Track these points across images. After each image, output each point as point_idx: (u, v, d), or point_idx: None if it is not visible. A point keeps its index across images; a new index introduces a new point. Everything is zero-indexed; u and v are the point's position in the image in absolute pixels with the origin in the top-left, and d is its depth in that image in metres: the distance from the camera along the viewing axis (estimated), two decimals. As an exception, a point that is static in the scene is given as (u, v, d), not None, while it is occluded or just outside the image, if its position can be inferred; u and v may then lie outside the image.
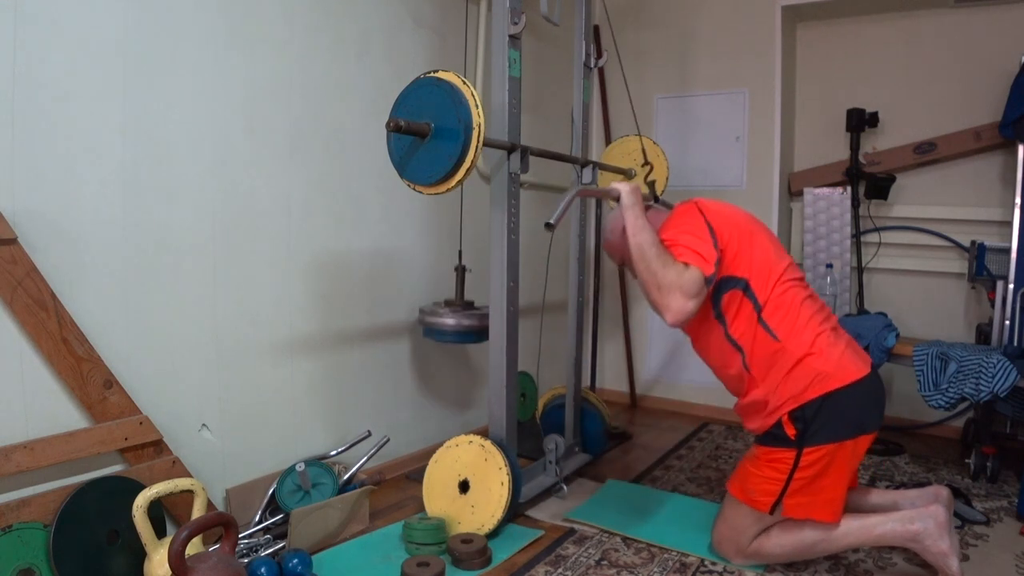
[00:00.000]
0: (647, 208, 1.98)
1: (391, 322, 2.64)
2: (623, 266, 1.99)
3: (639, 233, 1.80)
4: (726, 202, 1.98)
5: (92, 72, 1.71)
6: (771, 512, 1.80)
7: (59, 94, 1.65)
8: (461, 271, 2.57)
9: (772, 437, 1.81)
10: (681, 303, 1.69)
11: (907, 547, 1.77)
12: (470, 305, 2.53)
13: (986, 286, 2.93)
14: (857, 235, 3.27)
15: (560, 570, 1.89)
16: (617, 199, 1.92)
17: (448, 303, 2.54)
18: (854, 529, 1.78)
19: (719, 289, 1.83)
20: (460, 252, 2.59)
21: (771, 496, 1.80)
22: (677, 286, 1.69)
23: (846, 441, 1.74)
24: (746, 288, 1.82)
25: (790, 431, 1.77)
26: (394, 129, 1.79)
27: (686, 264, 1.72)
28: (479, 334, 2.45)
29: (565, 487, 2.41)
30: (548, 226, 1.79)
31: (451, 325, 2.46)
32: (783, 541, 1.83)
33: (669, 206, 2.08)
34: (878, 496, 1.98)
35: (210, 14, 1.96)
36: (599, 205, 3.65)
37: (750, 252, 1.84)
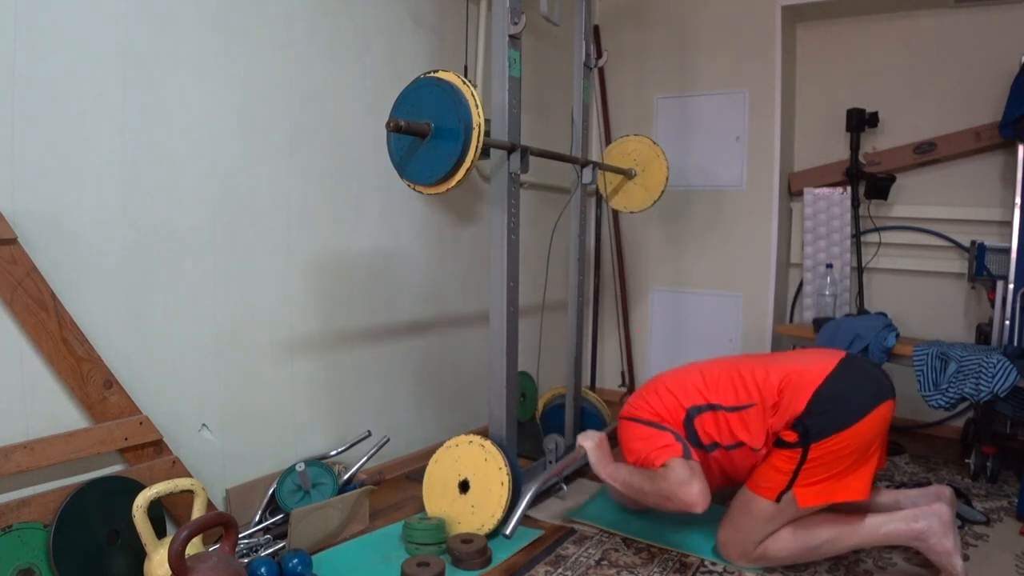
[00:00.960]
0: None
1: (391, 322, 2.64)
2: (644, 504, 2.11)
3: (618, 477, 2.00)
4: (638, 388, 2.14)
5: (92, 72, 1.71)
6: (777, 500, 1.81)
7: (59, 94, 1.65)
8: None
9: (777, 445, 1.83)
10: (690, 494, 1.79)
11: (911, 546, 1.77)
12: None
13: (986, 286, 2.93)
14: (857, 235, 3.27)
15: (560, 570, 1.89)
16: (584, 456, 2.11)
17: None
18: (858, 529, 1.79)
19: (691, 435, 1.94)
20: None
21: (780, 485, 1.80)
22: (676, 486, 1.80)
23: (850, 428, 1.74)
24: (697, 410, 1.94)
25: (790, 438, 1.79)
26: (394, 129, 1.79)
27: (665, 465, 1.84)
28: None
29: (565, 487, 2.41)
30: (505, 536, 1.88)
31: None
32: (789, 544, 1.83)
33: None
34: (880, 496, 1.98)
35: (210, 14, 1.96)
36: (599, 206, 3.66)
37: (672, 397, 1.98)
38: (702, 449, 1.94)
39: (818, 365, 1.84)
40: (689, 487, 1.78)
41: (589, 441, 2.14)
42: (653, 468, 1.86)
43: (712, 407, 1.92)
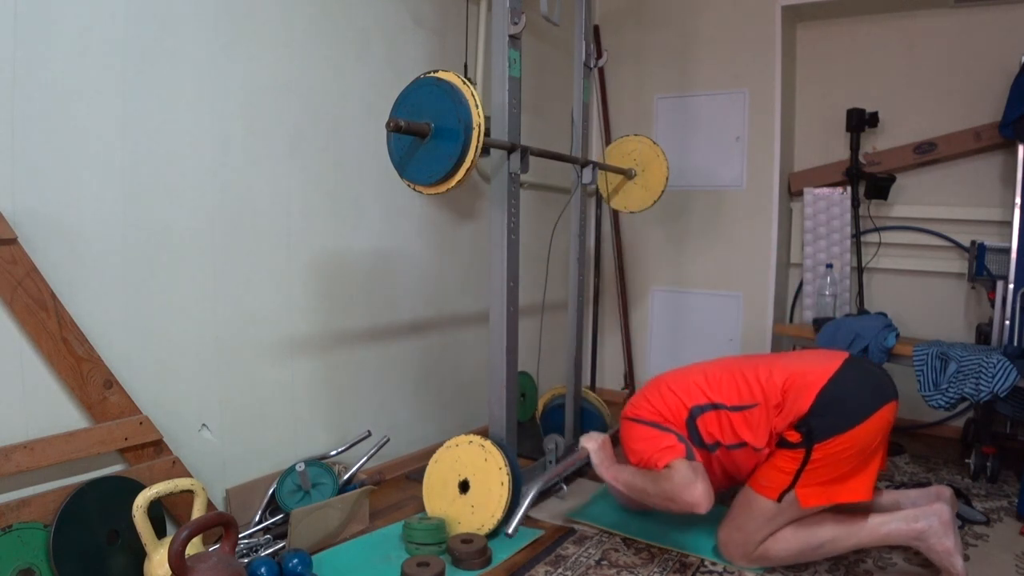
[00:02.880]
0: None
1: (391, 322, 2.64)
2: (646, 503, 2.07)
3: (620, 478, 2.01)
4: (640, 389, 2.13)
5: (92, 72, 1.71)
6: (779, 499, 1.81)
7: (59, 94, 1.65)
8: None
9: (780, 445, 1.83)
10: (694, 495, 1.79)
11: (911, 546, 1.77)
12: None
13: (986, 286, 2.93)
14: (857, 235, 3.27)
15: (560, 570, 1.89)
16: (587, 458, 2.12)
17: None
18: (859, 530, 1.79)
19: (693, 434, 1.94)
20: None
21: (783, 484, 1.80)
22: (679, 487, 1.81)
23: (853, 429, 1.74)
24: (700, 410, 1.94)
25: (794, 438, 1.79)
26: (394, 129, 1.79)
27: (668, 466, 1.84)
28: None
29: (565, 487, 2.41)
30: (507, 535, 1.93)
31: None
32: (790, 544, 1.82)
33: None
34: (880, 496, 1.98)
35: (210, 14, 1.96)
36: (599, 206, 3.66)
37: (674, 396, 1.98)
38: (705, 449, 1.94)
39: (822, 366, 1.84)
40: (693, 488, 1.78)
41: (592, 443, 2.15)
42: (656, 469, 1.86)
43: (715, 406, 1.92)
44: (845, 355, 1.89)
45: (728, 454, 1.92)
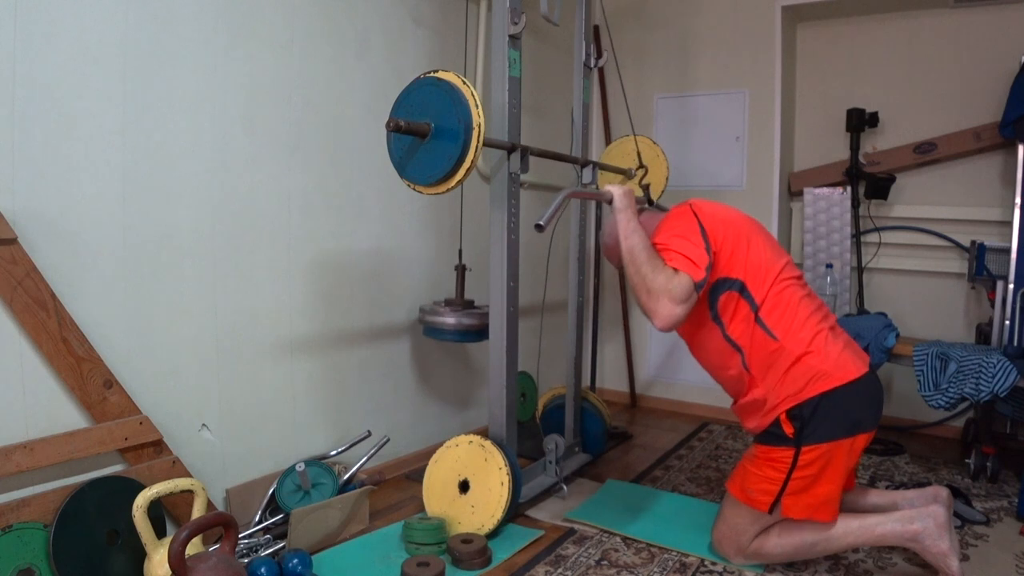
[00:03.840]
0: (641, 211, 1.96)
1: (391, 322, 2.64)
2: (622, 270, 2.00)
3: (630, 236, 1.80)
4: (722, 203, 1.98)
5: (92, 72, 1.71)
6: (770, 511, 1.81)
7: (59, 94, 1.65)
8: (461, 270, 2.57)
9: (770, 436, 1.82)
10: (669, 309, 1.69)
11: (907, 547, 1.77)
12: (470, 304, 2.54)
13: (986, 286, 2.93)
14: (857, 235, 3.27)
15: (560, 570, 1.89)
16: (610, 202, 1.92)
17: (448, 302, 2.54)
18: (854, 529, 1.79)
19: (715, 291, 1.82)
20: (460, 251, 2.59)
21: (770, 496, 1.80)
22: (666, 291, 1.69)
23: (843, 440, 1.75)
24: (742, 289, 1.82)
25: (788, 429, 1.77)
26: (394, 129, 1.79)
27: (676, 270, 1.72)
28: (479, 333, 2.45)
29: (565, 487, 2.41)
30: (538, 227, 1.78)
31: (451, 324, 2.47)
32: (783, 541, 1.83)
33: (664, 209, 2.08)
34: (877, 496, 1.98)
35: (210, 14, 1.96)
36: (599, 207, 3.65)
37: (745, 253, 1.83)
38: (709, 311, 1.84)
39: (849, 362, 1.78)
40: (674, 306, 1.68)
41: (618, 188, 1.91)
42: (666, 262, 1.74)
43: (754, 305, 1.80)
44: (866, 367, 1.82)
45: (720, 340, 1.84)
